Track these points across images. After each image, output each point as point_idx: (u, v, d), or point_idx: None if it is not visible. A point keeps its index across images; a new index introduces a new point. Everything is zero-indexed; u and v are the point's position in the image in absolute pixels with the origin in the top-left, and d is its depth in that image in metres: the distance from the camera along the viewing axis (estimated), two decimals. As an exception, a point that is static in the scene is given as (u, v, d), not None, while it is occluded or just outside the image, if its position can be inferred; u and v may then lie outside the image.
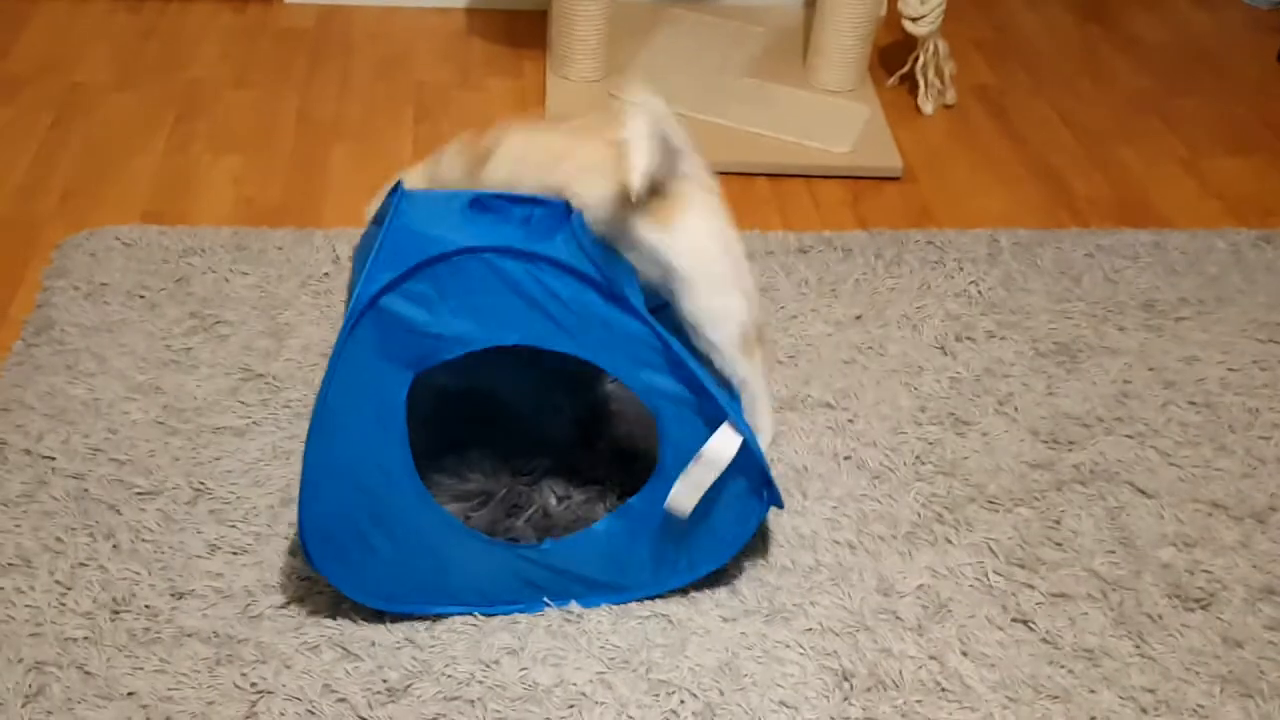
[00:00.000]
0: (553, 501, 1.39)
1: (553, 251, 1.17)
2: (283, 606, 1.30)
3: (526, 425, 1.45)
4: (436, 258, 1.14)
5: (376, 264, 1.15)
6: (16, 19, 2.33)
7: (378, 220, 1.33)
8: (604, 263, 1.19)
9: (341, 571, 1.25)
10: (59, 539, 1.34)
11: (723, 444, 1.23)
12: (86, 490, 1.40)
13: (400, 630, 1.28)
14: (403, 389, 1.18)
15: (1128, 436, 1.59)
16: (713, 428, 1.23)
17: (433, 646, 1.27)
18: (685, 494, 1.25)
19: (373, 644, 1.27)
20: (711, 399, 1.22)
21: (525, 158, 1.30)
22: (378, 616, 1.29)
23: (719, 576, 1.35)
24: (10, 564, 1.31)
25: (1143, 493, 1.51)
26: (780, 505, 1.31)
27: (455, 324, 1.17)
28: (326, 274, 1.74)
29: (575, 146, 1.27)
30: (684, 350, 1.22)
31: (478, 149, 1.35)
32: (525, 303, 1.17)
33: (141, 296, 1.68)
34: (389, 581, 1.27)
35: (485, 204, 1.25)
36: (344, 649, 1.26)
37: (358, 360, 1.16)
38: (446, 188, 1.35)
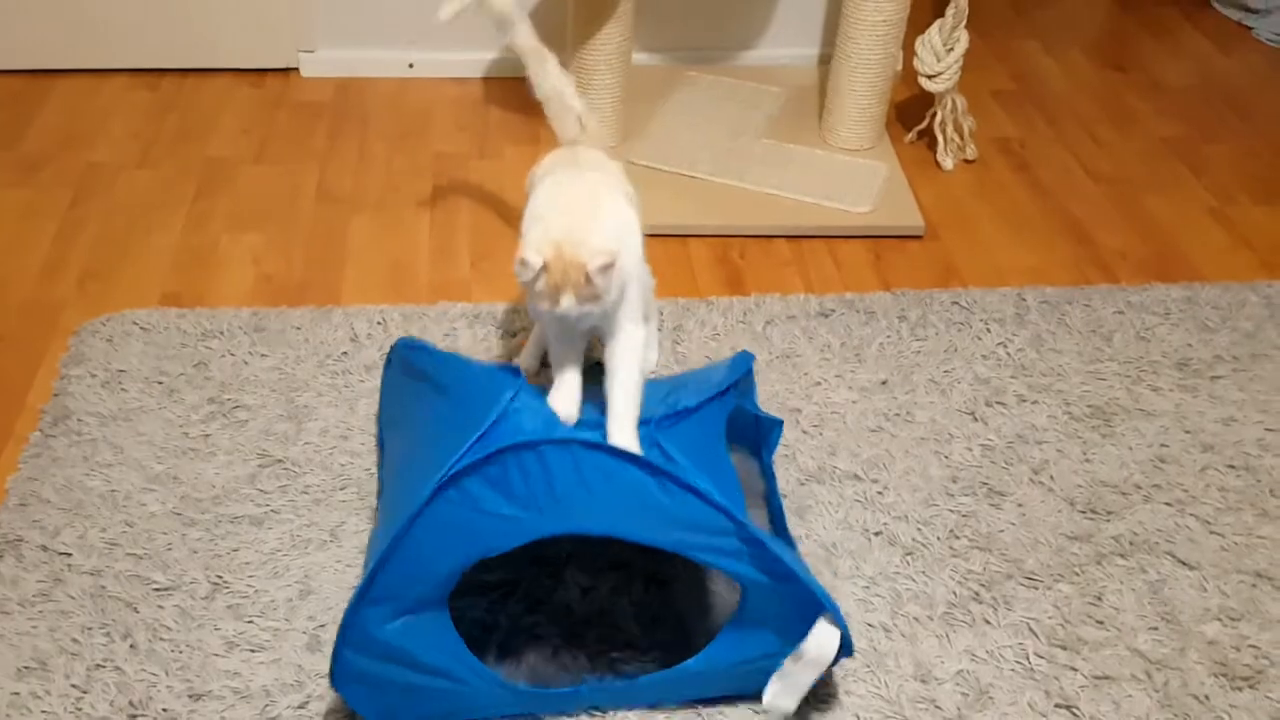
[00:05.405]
0: (576, 594, 1.36)
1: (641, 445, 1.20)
2: (300, 707, 1.27)
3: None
4: (521, 445, 1.13)
5: (473, 447, 1.15)
6: (33, 98, 2.34)
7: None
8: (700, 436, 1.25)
9: (365, 699, 1.21)
10: (75, 640, 1.32)
11: (823, 641, 1.19)
12: (104, 587, 1.38)
13: (422, 729, 1.25)
14: (456, 577, 1.16)
15: (1166, 504, 1.54)
16: (802, 609, 1.19)
17: (455, 748, 1.24)
18: (786, 694, 1.22)
19: (393, 745, 1.24)
20: (800, 583, 1.17)
21: (541, 215, 1.28)
22: None
23: (749, 664, 1.31)
24: (26, 667, 1.29)
25: (1184, 564, 1.47)
26: (850, 654, 1.23)
27: (531, 511, 1.15)
28: (345, 353, 1.73)
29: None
30: (769, 538, 1.18)
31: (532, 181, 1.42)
32: (604, 494, 1.15)
33: (159, 383, 1.66)
34: (409, 710, 1.23)
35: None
36: (363, 752, 1.23)
37: (424, 537, 1.14)
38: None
